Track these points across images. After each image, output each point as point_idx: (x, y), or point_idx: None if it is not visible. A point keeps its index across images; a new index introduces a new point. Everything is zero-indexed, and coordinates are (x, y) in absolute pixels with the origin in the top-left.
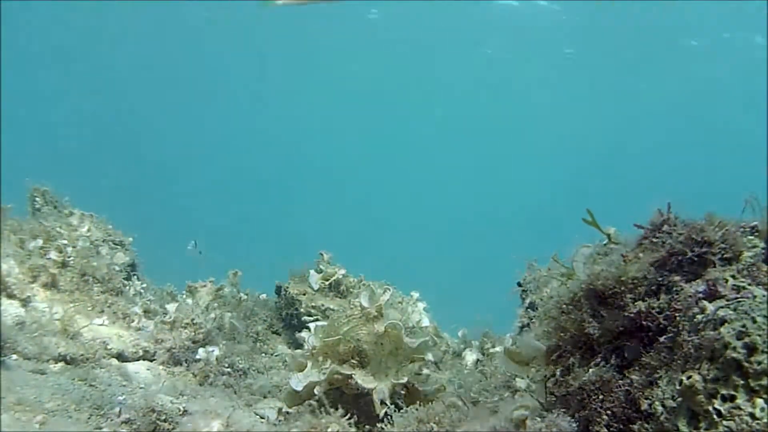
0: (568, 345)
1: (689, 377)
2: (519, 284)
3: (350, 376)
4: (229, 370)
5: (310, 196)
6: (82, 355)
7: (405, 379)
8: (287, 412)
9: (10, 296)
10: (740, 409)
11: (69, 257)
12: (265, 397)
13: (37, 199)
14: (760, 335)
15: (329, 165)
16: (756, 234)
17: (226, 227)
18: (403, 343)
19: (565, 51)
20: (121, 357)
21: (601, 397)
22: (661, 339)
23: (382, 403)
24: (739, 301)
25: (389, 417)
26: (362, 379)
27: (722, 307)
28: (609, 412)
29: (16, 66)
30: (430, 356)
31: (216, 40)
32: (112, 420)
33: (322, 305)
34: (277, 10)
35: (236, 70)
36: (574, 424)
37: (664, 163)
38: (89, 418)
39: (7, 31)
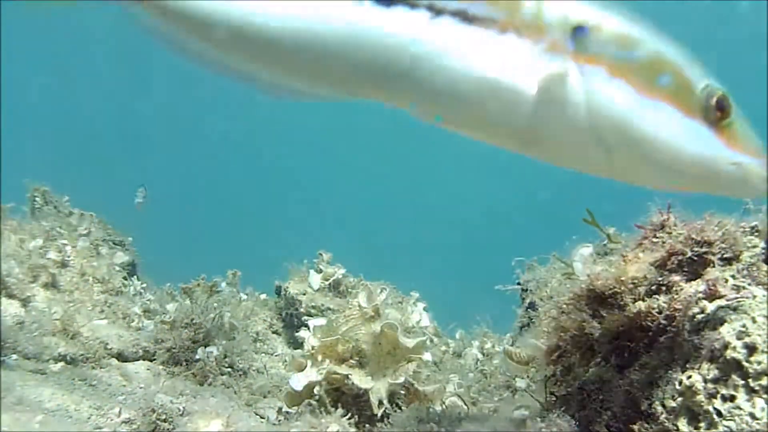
0: (568, 345)
1: (689, 377)
2: (519, 284)
3: (347, 376)
4: (229, 370)
5: (309, 195)
6: (82, 355)
7: (402, 379)
8: (287, 412)
9: (10, 296)
10: (740, 409)
11: (69, 257)
12: (265, 397)
13: (37, 199)
14: (760, 335)
15: (329, 164)
16: (756, 234)
17: (226, 226)
18: (400, 343)
19: None
20: (121, 357)
21: (601, 397)
22: (661, 339)
23: (380, 403)
24: (739, 301)
25: (388, 417)
26: (359, 379)
27: (722, 307)
28: (609, 412)
29: (16, 66)
30: (427, 356)
31: None
32: (112, 420)
33: (322, 305)
34: None
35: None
36: (574, 424)
37: None
38: (89, 418)
39: (7, 31)
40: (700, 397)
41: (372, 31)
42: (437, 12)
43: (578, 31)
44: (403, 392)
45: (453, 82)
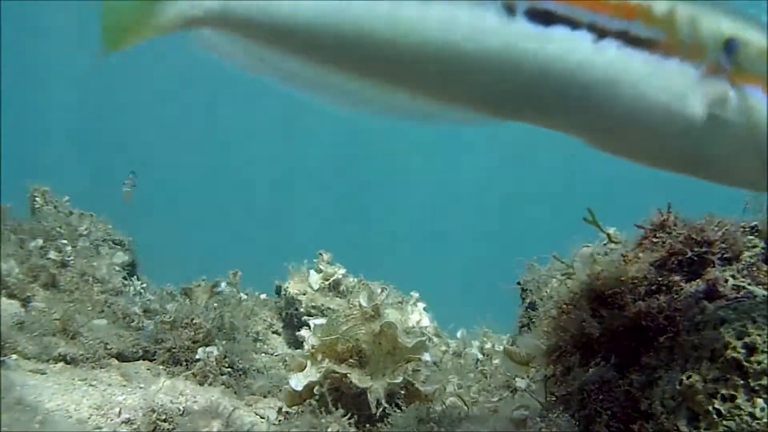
0: (568, 345)
1: (689, 377)
2: (519, 284)
3: (345, 375)
4: (229, 370)
5: (309, 194)
6: (82, 355)
7: (400, 379)
8: (287, 412)
9: (10, 296)
10: (740, 409)
11: (69, 257)
12: (265, 397)
13: (37, 199)
14: (760, 335)
15: (328, 164)
16: (756, 234)
17: (226, 226)
18: (399, 343)
19: None
20: (121, 357)
21: (601, 397)
22: (661, 339)
23: (378, 403)
24: (739, 301)
25: (388, 417)
26: (358, 378)
27: (722, 307)
28: (609, 411)
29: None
30: (426, 356)
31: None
32: (112, 420)
33: (322, 305)
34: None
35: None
36: (574, 424)
37: None
38: (89, 418)
39: (7, 31)
40: (700, 397)
41: (531, 53)
42: (601, 33)
43: (730, 47)
44: (402, 392)
45: (626, 111)
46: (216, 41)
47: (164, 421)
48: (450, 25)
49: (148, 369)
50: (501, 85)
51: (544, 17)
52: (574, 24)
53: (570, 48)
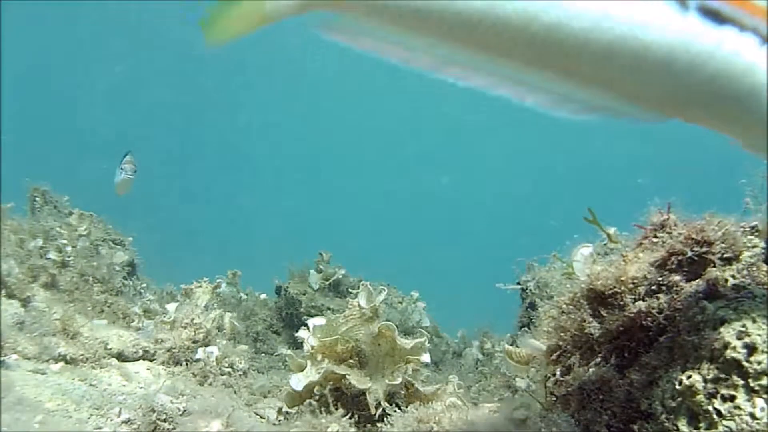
0: (568, 345)
1: (689, 377)
2: (519, 284)
3: (344, 376)
4: (229, 370)
5: (308, 195)
6: (82, 355)
7: (399, 380)
8: (287, 412)
9: (10, 296)
10: (740, 409)
11: (69, 257)
12: (265, 397)
13: (37, 199)
14: (760, 335)
15: (328, 164)
16: (756, 234)
17: (226, 226)
18: (397, 344)
19: None
20: (121, 357)
21: (601, 397)
22: (661, 339)
23: (378, 404)
24: (739, 301)
25: (388, 417)
26: (356, 379)
27: (722, 307)
28: (609, 411)
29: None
30: (426, 357)
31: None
32: (112, 420)
33: (322, 305)
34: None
35: (228, 61)
36: (574, 424)
37: (665, 161)
38: (89, 418)
39: (7, 29)
40: (700, 397)
41: (709, 51)
42: (763, 38)
43: None
44: (403, 392)
45: None
46: (336, 23)
47: (164, 421)
48: (622, 14)
49: (148, 369)
50: (672, 80)
51: (714, 16)
52: (741, 26)
53: (740, 50)
